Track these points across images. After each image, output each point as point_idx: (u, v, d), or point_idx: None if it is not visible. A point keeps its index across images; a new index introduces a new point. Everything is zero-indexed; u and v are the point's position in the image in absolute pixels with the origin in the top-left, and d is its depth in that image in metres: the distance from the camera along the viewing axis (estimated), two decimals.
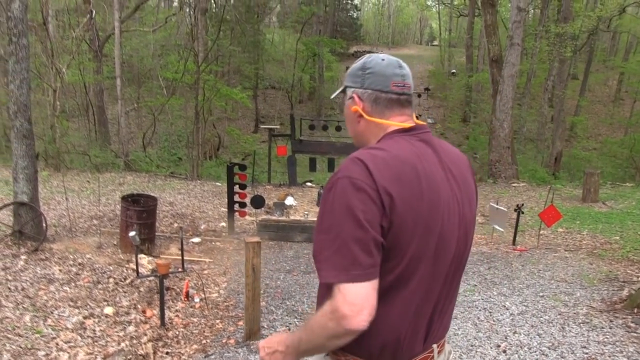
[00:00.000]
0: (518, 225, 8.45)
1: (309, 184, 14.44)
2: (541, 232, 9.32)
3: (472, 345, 4.32)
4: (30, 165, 6.46)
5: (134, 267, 6.26)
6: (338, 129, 15.24)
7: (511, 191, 13.79)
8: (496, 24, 16.15)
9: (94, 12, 14.85)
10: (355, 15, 54.24)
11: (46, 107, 13.66)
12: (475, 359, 4.09)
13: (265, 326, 4.88)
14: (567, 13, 17.49)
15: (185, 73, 16.83)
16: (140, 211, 7.00)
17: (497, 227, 8.36)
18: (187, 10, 19.30)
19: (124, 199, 7.16)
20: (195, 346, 4.42)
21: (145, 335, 4.56)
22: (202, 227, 9.15)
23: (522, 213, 8.36)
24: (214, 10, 22.82)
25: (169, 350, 4.30)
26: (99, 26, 18.41)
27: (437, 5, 45.98)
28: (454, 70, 40.79)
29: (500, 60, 15.43)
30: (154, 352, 4.24)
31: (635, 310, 5.16)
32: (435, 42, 56.84)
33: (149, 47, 22.56)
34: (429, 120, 34.25)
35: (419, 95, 37.84)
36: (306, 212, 9.52)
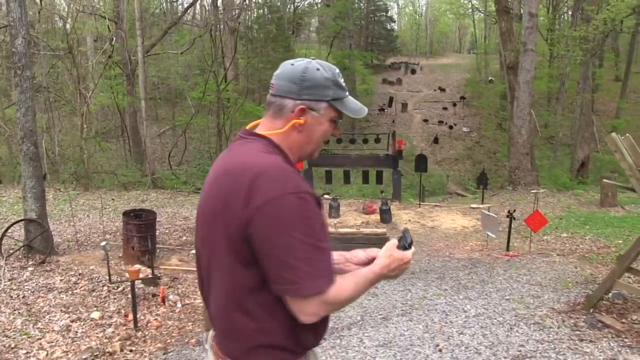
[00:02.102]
0: (511, 231, 8.55)
1: (326, 196, 14.76)
2: (544, 237, 9.39)
3: (411, 345, 4.57)
4: (38, 185, 7.09)
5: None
6: (365, 141, 15.54)
7: (529, 198, 13.71)
8: (512, 30, 16.20)
9: (114, 38, 15.76)
10: (390, 27, 54.36)
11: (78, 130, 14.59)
12: (409, 357, 4.34)
13: None
14: (588, 15, 17.33)
15: (209, 92, 17.54)
16: (139, 225, 7.53)
17: (489, 233, 8.50)
18: (217, 30, 20.05)
19: (125, 214, 7.73)
20: (159, 345, 4.85)
21: (118, 335, 5.02)
22: None
23: (514, 219, 8.47)
24: (242, 30, 23.56)
25: (133, 349, 4.74)
26: (132, 50, 19.37)
27: (472, 13, 45.70)
28: (491, 78, 40.33)
29: (517, 67, 15.43)
30: (121, 350, 4.69)
31: (591, 311, 5.29)
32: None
33: (179, 67, 23.50)
34: (464, 129, 34.07)
35: (454, 105, 37.92)
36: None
